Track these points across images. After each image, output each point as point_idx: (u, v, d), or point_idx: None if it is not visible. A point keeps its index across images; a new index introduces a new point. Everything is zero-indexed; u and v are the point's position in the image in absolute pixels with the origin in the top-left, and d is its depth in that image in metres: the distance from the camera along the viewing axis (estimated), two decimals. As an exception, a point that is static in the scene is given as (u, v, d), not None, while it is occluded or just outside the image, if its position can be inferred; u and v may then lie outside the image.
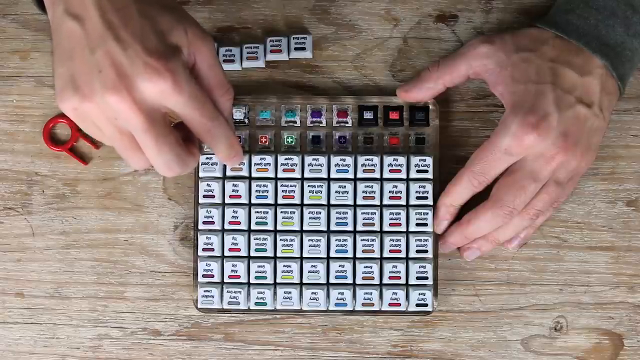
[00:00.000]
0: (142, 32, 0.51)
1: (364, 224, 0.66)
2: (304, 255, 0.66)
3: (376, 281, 0.66)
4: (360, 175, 0.66)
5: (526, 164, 0.61)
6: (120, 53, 0.50)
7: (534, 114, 0.60)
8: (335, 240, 0.66)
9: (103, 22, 0.51)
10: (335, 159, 0.66)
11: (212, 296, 0.66)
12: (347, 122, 0.67)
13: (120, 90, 0.50)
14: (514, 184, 0.62)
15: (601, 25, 0.62)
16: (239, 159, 0.60)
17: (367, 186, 0.66)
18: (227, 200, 0.66)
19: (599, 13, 0.62)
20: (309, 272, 0.66)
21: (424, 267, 0.66)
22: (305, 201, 0.66)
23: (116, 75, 0.50)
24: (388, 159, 0.66)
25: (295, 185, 0.66)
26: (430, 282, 0.66)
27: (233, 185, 0.66)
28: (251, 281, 0.66)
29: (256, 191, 0.66)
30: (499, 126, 0.61)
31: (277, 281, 0.66)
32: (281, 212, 0.66)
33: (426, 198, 0.66)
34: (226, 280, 0.66)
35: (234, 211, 0.66)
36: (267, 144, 0.67)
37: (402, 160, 0.66)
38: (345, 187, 0.66)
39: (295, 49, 0.68)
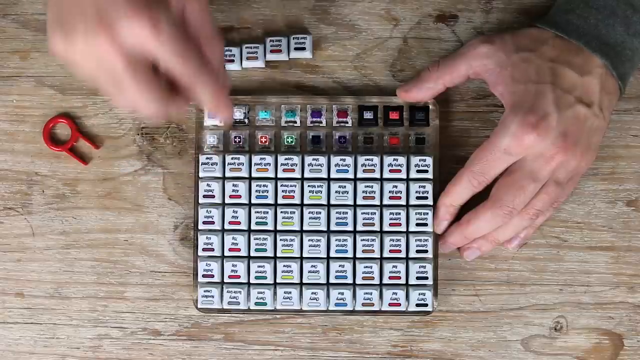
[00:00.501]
0: None
1: (364, 224, 0.66)
2: (304, 255, 0.66)
3: (376, 281, 0.66)
4: (360, 175, 0.66)
5: (526, 164, 0.61)
6: None
7: (533, 113, 0.60)
8: (335, 240, 0.66)
9: None
10: (335, 159, 0.66)
11: (212, 296, 0.66)
12: (347, 122, 0.67)
13: (100, 33, 0.50)
14: (513, 183, 0.62)
15: (601, 25, 0.62)
16: (226, 113, 0.58)
17: (367, 186, 0.66)
18: (227, 200, 0.66)
19: (599, 12, 0.62)
20: (309, 272, 0.66)
21: (424, 267, 0.66)
22: (305, 201, 0.66)
23: (98, 18, 0.50)
24: (388, 159, 0.66)
25: (295, 185, 0.66)
26: (430, 282, 0.66)
27: (233, 185, 0.66)
28: (251, 281, 0.66)
29: (256, 191, 0.66)
30: (499, 126, 0.61)
31: (277, 281, 0.66)
32: (281, 212, 0.66)
33: (426, 198, 0.66)
34: (226, 280, 0.66)
35: (234, 211, 0.66)
36: (267, 144, 0.67)
37: (402, 160, 0.66)
38: (345, 187, 0.66)
39: (295, 49, 0.68)
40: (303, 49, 0.68)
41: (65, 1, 0.52)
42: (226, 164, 0.66)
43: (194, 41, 0.54)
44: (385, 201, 0.66)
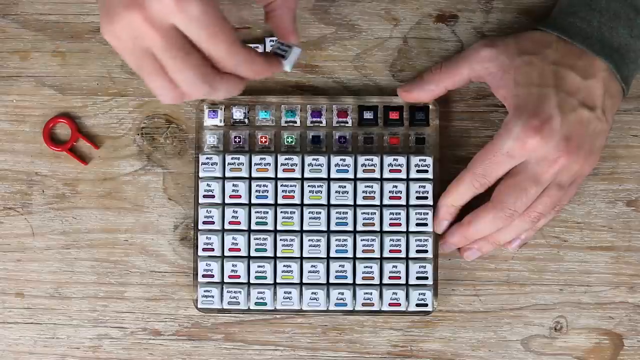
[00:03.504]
0: None
1: (364, 224, 0.66)
2: (304, 255, 0.66)
3: (376, 281, 0.66)
4: (360, 175, 0.66)
5: (528, 167, 0.61)
6: None
7: (536, 117, 0.60)
8: (335, 240, 0.66)
9: None
10: (335, 159, 0.66)
11: (212, 296, 0.66)
12: (347, 122, 0.67)
13: (132, 8, 0.49)
14: (515, 186, 0.61)
15: (604, 28, 0.62)
16: (268, 73, 0.55)
17: (367, 186, 0.66)
18: (227, 200, 0.66)
19: (602, 15, 0.62)
20: (309, 272, 0.66)
21: (424, 267, 0.66)
22: (305, 201, 0.66)
23: None
24: (388, 159, 0.66)
25: (295, 185, 0.66)
26: (430, 282, 0.66)
27: (233, 185, 0.66)
28: (251, 281, 0.66)
29: (256, 191, 0.66)
30: (502, 129, 0.61)
31: (277, 281, 0.66)
32: (281, 212, 0.66)
33: (426, 198, 0.66)
34: (226, 280, 0.66)
35: (234, 211, 0.66)
36: (267, 144, 0.67)
37: (402, 160, 0.66)
38: (345, 187, 0.66)
39: (295, 49, 0.68)
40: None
41: None
42: (226, 164, 0.66)
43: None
44: (385, 201, 0.66)
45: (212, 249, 0.66)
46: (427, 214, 0.66)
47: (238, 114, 0.67)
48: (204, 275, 0.66)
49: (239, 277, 0.66)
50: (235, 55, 0.52)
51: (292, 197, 0.66)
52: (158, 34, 0.50)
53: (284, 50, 0.58)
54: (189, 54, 0.51)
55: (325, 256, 0.66)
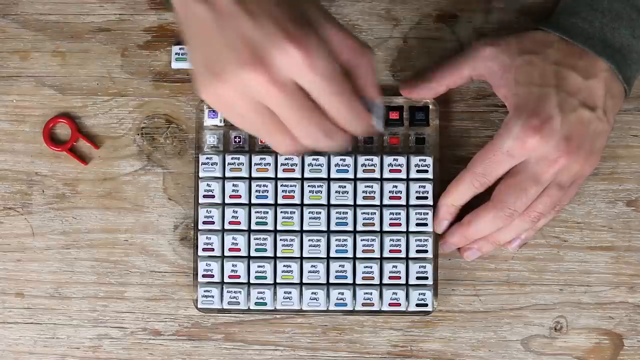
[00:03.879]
0: (272, 3, 0.49)
1: (364, 224, 0.66)
2: (304, 255, 0.66)
3: (376, 281, 0.66)
4: (360, 175, 0.66)
5: (528, 167, 0.61)
6: (252, 28, 0.48)
7: (537, 116, 0.60)
8: (335, 240, 0.66)
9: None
10: (335, 159, 0.66)
11: (212, 296, 0.66)
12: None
13: (254, 66, 0.48)
14: (515, 186, 0.61)
15: (606, 28, 0.62)
16: (378, 132, 0.55)
17: (367, 186, 0.66)
18: (227, 200, 0.66)
19: (604, 16, 0.62)
20: (309, 272, 0.66)
21: (424, 267, 0.66)
22: (305, 201, 0.66)
23: (249, 51, 0.48)
24: (388, 159, 0.66)
25: (295, 185, 0.66)
26: (430, 282, 0.66)
27: (233, 185, 0.66)
28: (251, 281, 0.66)
29: (256, 191, 0.66)
30: (502, 128, 0.61)
31: (277, 281, 0.66)
32: (281, 212, 0.66)
33: (426, 198, 0.66)
34: (226, 280, 0.66)
35: (234, 211, 0.66)
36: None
37: (402, 160, 0.66)
38: (345, 187, 0.66)
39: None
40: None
41: (209, 42, 0.49)
42: (226, 164, 0.66)
43: (342, 65, 0.51)
44: (385, 201, 0.66)
45: (212, 249, 0.66)
46: (427, 214, 0.66)
47: (238, 114, 0.67)
48: (204, 275, 0.66)
49: (239, 277, 0.66)
50: (352, 111, 0.51)
51: (292, 197, 0.66)
52: (281, 91, 0.49)
53: (366, 107, 0.54)
54: (311, 110, 0.50)
55: (325, 256, 0.66)
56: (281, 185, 0.66)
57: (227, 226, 0.66)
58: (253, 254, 0.66)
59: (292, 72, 0.48)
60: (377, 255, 0.66)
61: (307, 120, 0.50)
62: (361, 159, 0.66)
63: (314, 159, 0.66)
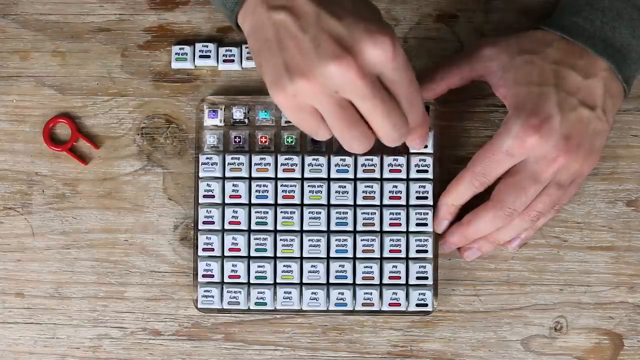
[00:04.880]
0: (354, 8, 0.51)
1: (364, 224, 0.66)
2: (304, 255, 0.66)
3: (376, 281, 0.66)
4: (360, 175, 0.66)
5: (528, 166, 0.61)
6: (336, 24, 0.50)
7: (536, 116, 0.60)
8: (335, 240, 0.66)
9: (313, 2, 0.51)
10: (335, 159, 0.66)
11: (212, 296, 0.66)
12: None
13: (344, 58, 0.50)
14: (515, 185, 0.62)
15: (607, 28, 0.62)
16: (424, 140, 0.60)
17: (367, 186, 0.66)
18: (227, 200, 0.66)
19: (605, 15, 0.62)
20: (309, 272, 0.66)
21: (424, 267, 0.66)
22: (305, 201, 0.66)
23: (337, 45, 0.50)
24: (388, 159, 0.66)
25: (295, 185, 0.66)
26: (430, 282, 0.66)
27: (233, 185, 0.66)
28: (251, 281, 0.66)
29: (256, 191, 0.66)
30: (501, 127, 0.61)
31: (277, 281, 0.66)
32: (281, 212, 0.66)
33: (426, 198, 0.66)
34: (226, 280, 0.66)
35: (234, 211, 0.66)
36: (267, 144, 0.67)
37: (402, 160, 0.66)
38: (345, 187, 0.66)
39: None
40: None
41: (289, 44, 0.51)
42: (226, 164, 0.66)
43: None
44: (385, 201, 0.66)
45: (212, 249, 0.66)
46: (427, 214, 0.66)
47: (238, 114, 0.67)
48: (204, 275, 0.66)
49: (239, 277, 0.66)
50: (420, 103, 0.55)
51: (292, 197, 0.66)
52: (368, 83, 0.51)
53: None
54: (391, 100, 0.53)
55: (325, 256, 0.66)
56: (281, 185, 0.66)
57: (227, 226, 0.66)
58: (253, 254, 0.66)
59: (378, 63, 0.51)
60: (377, 255, 0.66)
61: (388, 111, 0.52)
62: (361, 159, 0.66)
63: (314, 159, 0.66)
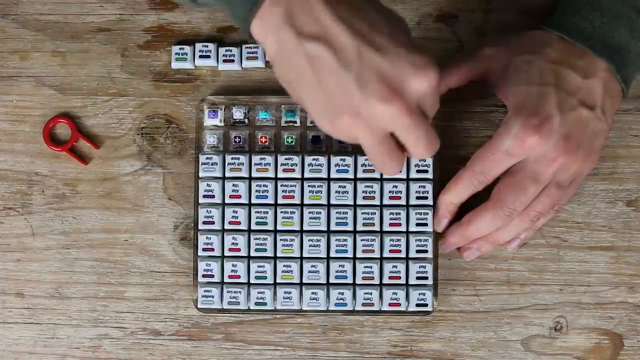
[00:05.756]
0: (391, 31, 0.50)
1: (364, 224, 0.66)
2: (304, 255, 0.66)
3: (376, 281, 0.66)
4: (360, 175, 0.66)
5: (527, 166, 0.61)
6: (381, 61, 0.49)
7: (536, 116, 0.60)
8: (335, 240, 0.66)
9: (350, 33, 0.48)
10: (335, 159, 0.66)
11: (212, 296, 0.66)
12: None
13: (393, 99, 0.49)
14: (514, 185, 0.62)
15: (606, 28, 0.62)
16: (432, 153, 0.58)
17: (367, 186, 0.66)
18: (227, 200, 0.66)
19: (604, 15, 0.62)
20: (309, 272, 0.66)
21: (424, 267, 0.66)
22: (305, 201, 0.66)
23: (384, 85, 0.49)
24: (388, 159, 0.66)
25: (295, 185, 0.66)
26: (430, 282, 0.66)
27: (233, 185, 0.66)
28: (251, 281, 0.66)
29: (256, 191, 0.66)
30: (501, 127, 0.61)
31: (277, 281, 0.66)
32: (281, 212, 0.66)
33: (426, 198, 0.66)
34: (226, 280, 0.66)
35: (234, 211, 0.66)
36: (267, 144, 0.67)
37: (402, 160, 0.66)
38: (345, 187, 0.66)
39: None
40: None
41: (329, 82, 0.49)
42: (226, 164, 0.66)
43: None
44: (385, 201, 0.66)
45: (212, 249, 0.66)
46: (427, 214, 0.66)
47: (238, 114, 0.67)
48: (204, 275, 0.66)
49: (239, 277, 0.66)
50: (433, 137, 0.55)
51: (292, 197, 0.66)
52: (414, 119, 0.51)
53: None
54: (427, 123, 0.53)
55: (325, 256, 0.66)
56: (281, 185, 0.66)
57: (227, 226, 0.66)
58: (253, 254, 0.66)
59: (424, 95, 0.50)
60: (377, 255, 0.66)
61: (427, 137, 0.53)
62: (361, 159, 0.66)
63: (314, 159, 0.66)
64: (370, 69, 0.49)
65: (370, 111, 0.50)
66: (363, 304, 0.66)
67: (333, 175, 0.66)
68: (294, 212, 0.66)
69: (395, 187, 0.66)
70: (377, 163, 0.55)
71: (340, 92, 0.50)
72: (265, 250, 0.66)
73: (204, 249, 0.66)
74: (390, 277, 0.66)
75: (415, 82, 0.49)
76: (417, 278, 0.66)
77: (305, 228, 0.66)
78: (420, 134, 0.52)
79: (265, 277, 0.66)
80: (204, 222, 0.66)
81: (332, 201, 0.66)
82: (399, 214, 0.66)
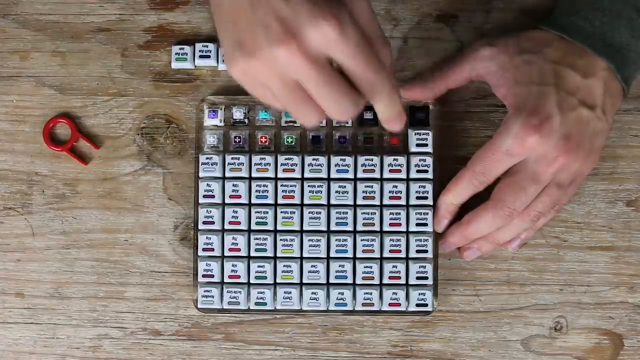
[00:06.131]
0: None
1: (364, 224, 0.66)
2: (304, 255, 0.66)
3: (376, 281, 0.66)
4: (360, 175, 0.66)
5: (528, 165, 0.61)
6: (283, 6, 0.49)
7: (536, 115, 0.60)
8: (335, 240, 0.66)
9: None
10: (335, 159, 0.66)
11: (212, 296, 0.66)
12: (347, 122, 0.67)
13: (287, 42, 0.49)
14: (514, 184, 0.62)
15: (606, 27, 0.62)
16: (400, 121, 0.55)
17: (367, 186, 0.66)
18: (227, 200, 0.66)
19: (604, 15, 0.62)
20: (309, 272, 0.66)
21: (424, 267, 0.66)
22: (305, 201, 0.66)
23: (282, 28, 0.49)
24: (388, 159, 0.66)
25: (295, 185, 0.66)
26: (430, 282, 0.66)
27: (233, 185, 0.66)
28: (251, 281, 0.66)
29: (256, 191, 0.66)
30: (501, 127, 0.61)
31: (277, 281, 0.66)
32: (281, 212, 0.66)
33: (426, 198, 0.66)
34: (226, 280, 0.66)
35: (234, 211, 0.66)
36: (267, 144, 0.67)
37: (402, 160, 0.66)
38: (345, 187, 0.66)
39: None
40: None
41: (241, 20, 0.50)
42: (226, 164, 0.66)
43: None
44: (385, 201, 0.66)
45: (212, 249, 0.66)
46: (427, 214, 0.66)
47: (238, 114, 0.67)
48: (204, 275, 0.66)
49: (239, 277, 0.66)
50: (383, 83, 0.52)
51: (292, 197, 0.66)
52: (313, 66, 0.50)
53: None
54: (341, 82, 0.51)
55: (325, 256, 0.66)
56: (281, 185, 0.66)
57: (227, 226, 0.66)
58: (253, 254, 0.66)
59: (323, 46, 0.49)
60: (377, 255, 0.66)
61: (335, 92, 0.51)
62: (361, 159, 0.66)
63: (314, 159, 0.66)
64: (273, 13, 0.49)
65: (270, 53, 0.50)
66: (363, 304, 0.66)
67: (333, 175, 0.66)
68: (294, 212, 0.66)
69: (395, 187, 0.66)
70: (292, 112, 0.53)
71: (247, 33, 0.50)
72: (265, 250, 0.66)
73: (204, 249, 0.66)
74: (390, 277, 0.66)
75: (310, 29, 0.49)
76: (417, 278, 0.66)
77: (305, 228, 0.66)
78: (322, 89, 0.51)
79: (265, 277, 0.66)
80: (204, 222, 0.66)
81: (332, 201, 0.66)
82: (399, 214, 0.66)
